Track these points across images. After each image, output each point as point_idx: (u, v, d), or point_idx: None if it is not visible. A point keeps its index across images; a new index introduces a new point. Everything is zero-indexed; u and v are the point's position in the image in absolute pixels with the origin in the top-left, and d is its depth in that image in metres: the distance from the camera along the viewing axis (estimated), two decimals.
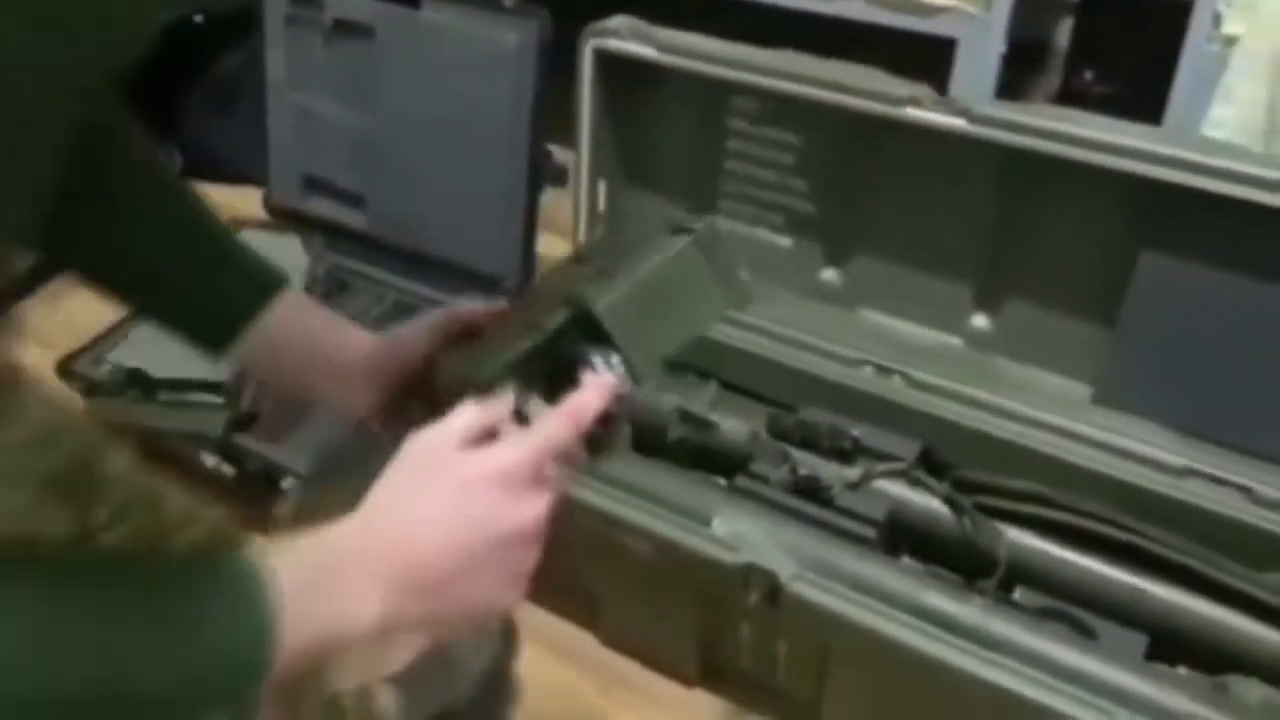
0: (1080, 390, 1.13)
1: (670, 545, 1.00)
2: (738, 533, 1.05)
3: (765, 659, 1.06)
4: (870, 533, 1.07)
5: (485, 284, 1.46)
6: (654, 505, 1.03)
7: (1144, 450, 1.05)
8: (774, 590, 0.96)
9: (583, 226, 1.44)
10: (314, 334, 0.70)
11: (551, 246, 1.53)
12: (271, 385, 0.77)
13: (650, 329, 1.25)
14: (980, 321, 1.20)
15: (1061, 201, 1.14)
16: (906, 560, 1.07)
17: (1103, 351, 1.13)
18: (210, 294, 0.68)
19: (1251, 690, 0.95)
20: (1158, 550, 0.99)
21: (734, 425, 1.18)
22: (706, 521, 1.09)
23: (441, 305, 1.28)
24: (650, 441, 1.21)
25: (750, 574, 0.97)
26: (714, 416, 1.20)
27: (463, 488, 0.52)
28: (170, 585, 0.38)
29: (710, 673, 1.10)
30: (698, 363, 1.27)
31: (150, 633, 0.37)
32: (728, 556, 0.99)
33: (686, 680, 1.10)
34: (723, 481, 1.16)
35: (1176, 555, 0.99)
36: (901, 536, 1.07)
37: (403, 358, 0.71)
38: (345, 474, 0.71)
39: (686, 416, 1.21)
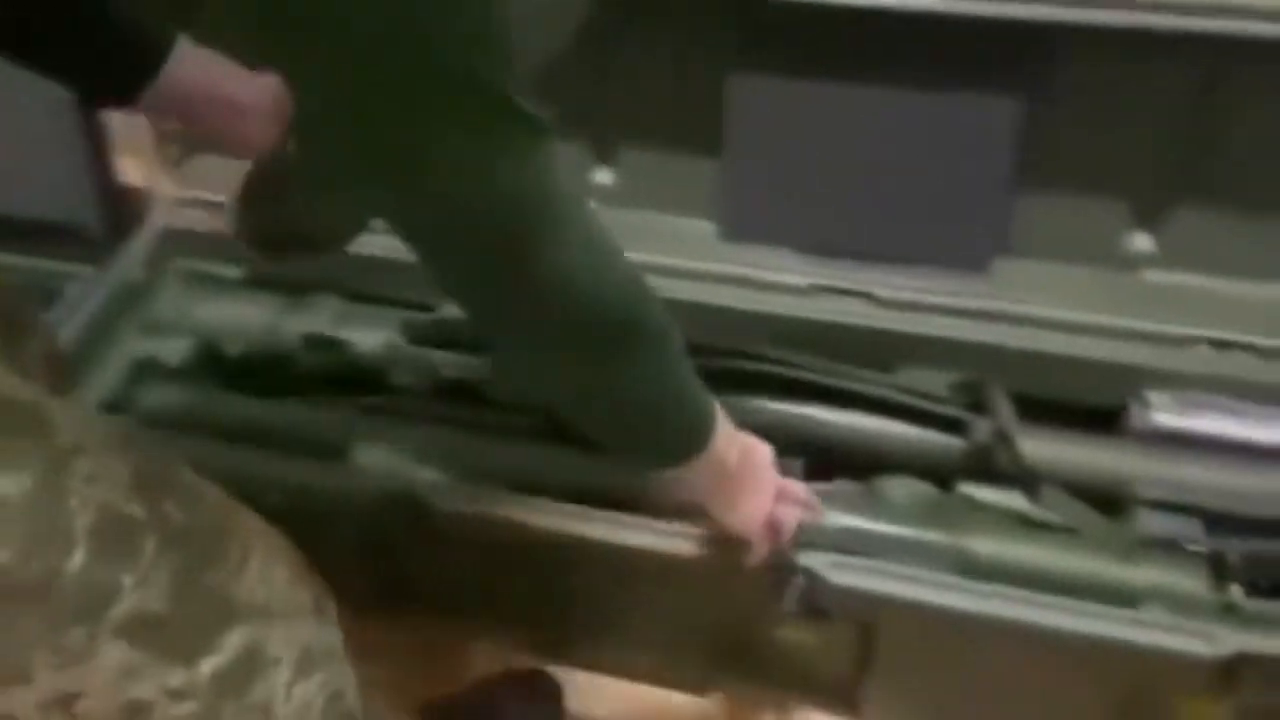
0: (705, 229, 1.11)
1: (301, 490, 0.90)
2: (374, 460, 0.98)
3: (436, 577, 1.01)
4: (522, 421, 1.02)
5: (65, 237, 1.24)
6: (277, 453, 0.94)
7: (772, 277, 1.04)
8: (421, 512, 0.89)
9: None
10: (216, 79, 0.74)
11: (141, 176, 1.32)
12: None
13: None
14: (602, 177, 1.14)
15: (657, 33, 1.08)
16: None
17: (718, 186, 1.11)
18: (112, 47, 0.72)
19: (899, 488, 0.99)
20: (794, 374, 0.99)
21: (367, 339, 1.08)
22: (342, 454, 1.01)
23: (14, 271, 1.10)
24: (277, 377, 1.09)
25: (394, 500, 0.90)
26: (343, 334, 1.10)
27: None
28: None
29: (389, 596, 1.04)
30: (320, 276, 1.15)
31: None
32: (365, 485, 0.91)
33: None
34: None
35: (813, 375, 1.00)
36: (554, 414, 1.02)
37: None
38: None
39: (312, 341, 1.10)
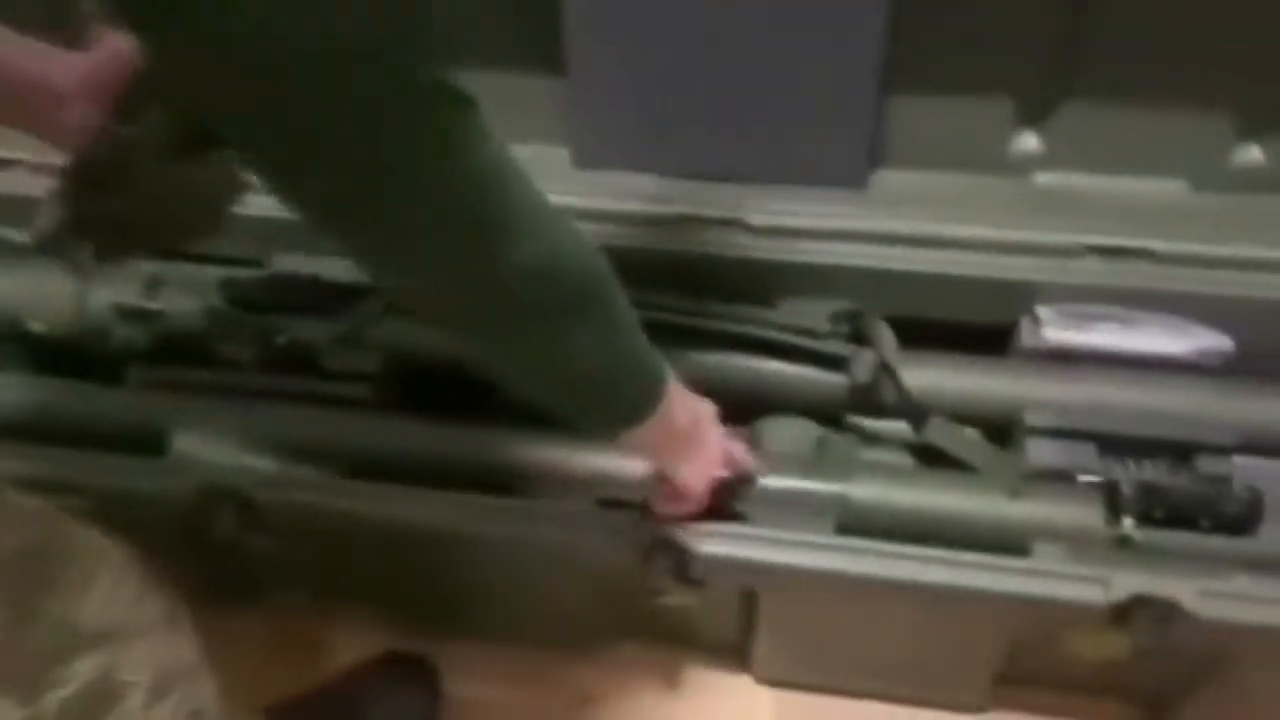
0: (557, 156, 1.00)
1: (118, 493, 0.81)
2: (192, 452, 0.88)
3: (281, 568, 0.92)
4: (365, 391, 0.92)
5: None
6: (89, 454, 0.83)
7: (633, 208, 0.94)
8: (247, 506, 0.80)
9: None
10: (14, 63, 0.63)
11: None
12: None
13: None
14: None
15: None
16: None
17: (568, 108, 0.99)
18: None
19: (781, 430, 0.92)
20: (661, 315, 0.89)
21: (185, 306, 0.97)
22: (164, 442, 0.90)
23: None
24: (89, 356, 0.97)
25: (216, 495, 0.80)
26: (159, 302, 0.98)
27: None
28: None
29: (234, 589, 0.96)
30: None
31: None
32: (183, 485, 0.81)
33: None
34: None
35: (682, 315, 0.91)
36: (399, 382, 0.93)
37: (123, 68, 0.64)
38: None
39: (124, 312, 0.98)
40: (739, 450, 0.78)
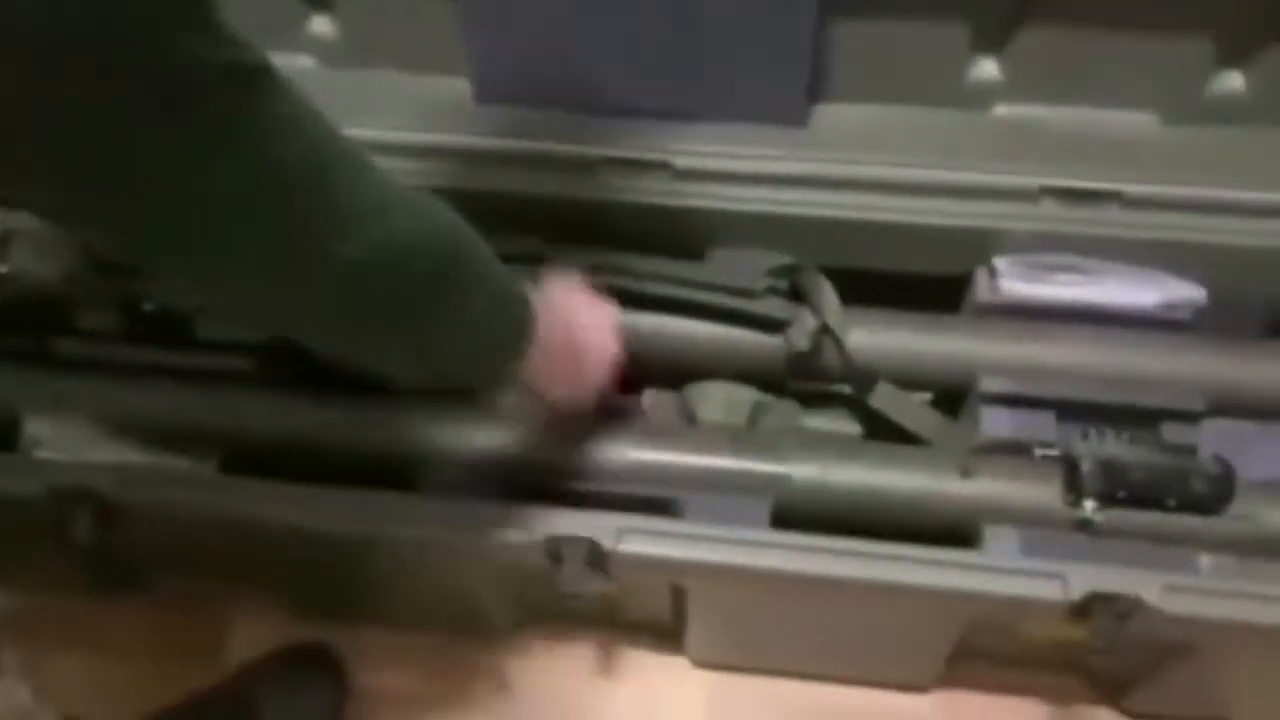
0: (459, 89, 0.88)
1: None
2: (44, 439, 0.77)
3: (160, 560, 0.85)
4: (245, 364, 0.82)
5: None
6: None
7: (542, 148, 0.84)
8: (106, 508, 0.71)
9: None
10: None
11: None
12: None
13: None
14: (319, 28, 0.88)
15: None
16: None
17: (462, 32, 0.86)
18: None
19: (714, 397, 0.84)
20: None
21: (36, 267, 0.85)
22: (10, 434, 0.80)
23: None
24: None
25: (63, 502, 0.70)
26: (11, 264, 0.86)
27: None
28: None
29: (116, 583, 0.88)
30: None
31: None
32: (27, 486, 0.71)
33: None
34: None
35: (603, 273, 0.81)
36: (284, 353, 0.82)
37: None
38: None
39: None
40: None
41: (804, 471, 0.74)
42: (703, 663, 0.87)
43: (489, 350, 0.58)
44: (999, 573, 0.66)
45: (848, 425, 0.83)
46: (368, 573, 0.80)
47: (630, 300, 0.80)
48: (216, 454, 0.78)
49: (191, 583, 0.90)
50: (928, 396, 0.83)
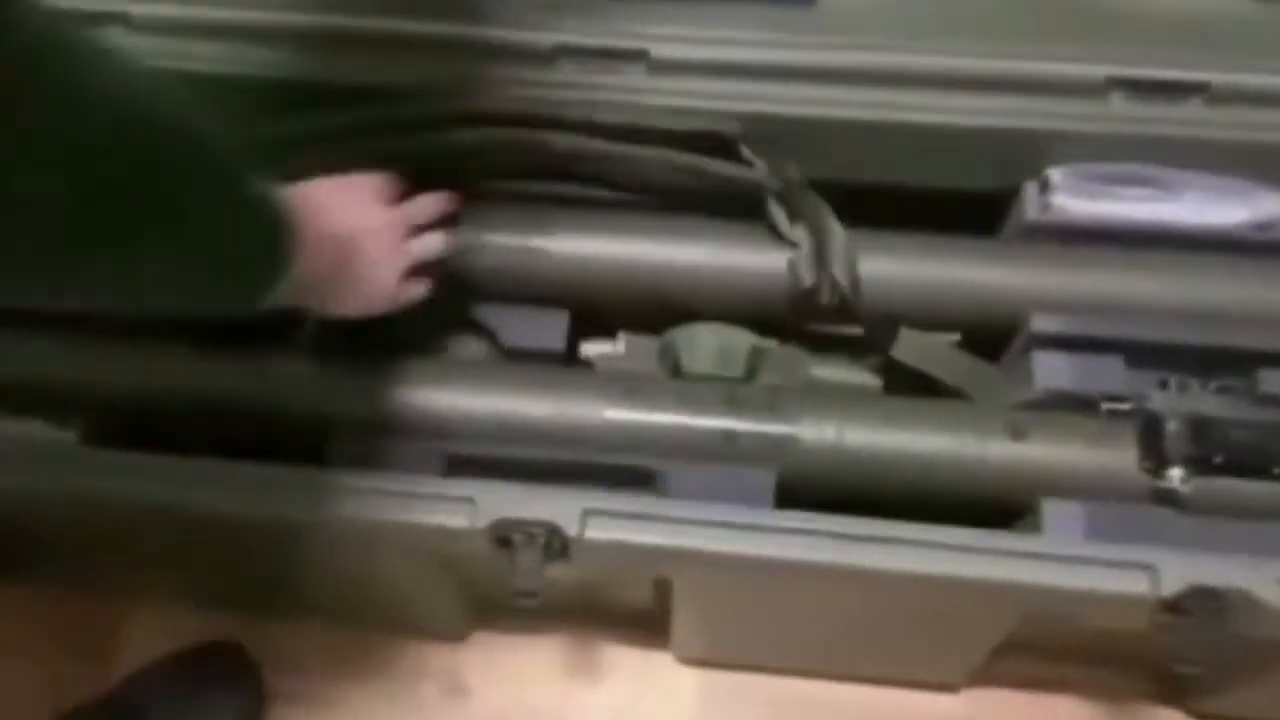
0: None
1: None
2: None
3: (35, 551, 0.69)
4: None
5: None
6: None
7: (505, 37, 0.67)
8: None
9: None
10: None
11: None
12: None
13: None
14: None
15: None
16: None
17: None
18: None
19: (699, 341, 0.68)
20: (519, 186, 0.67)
21: None
22: None
23: None
24: None
25: None
26: None
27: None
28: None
29: None
30: None
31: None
32: None
33: None
34: None
35: (545, 185, 0.67)
36: None
37: None
38: None
39: None
40: (427, 204, 0.63)
41: (816, 433, 0.60)
42: (691, 660, 0.74)
43: (230, 268, 0.47)
44: (1069, 563, 0.52)
45: (863, 377, 0.69)
46: (274, 562, 0.66)
47: (594, 225, 0.66)
48: (78, 420, 0.63)
49: (83, 567, 0.76)
50: (954, 338, 0.69)
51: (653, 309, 0.68)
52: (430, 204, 0.63)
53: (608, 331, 0.70)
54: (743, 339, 0.68)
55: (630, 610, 0.72)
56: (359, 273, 0.56)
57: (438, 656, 0.74)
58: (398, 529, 0.55)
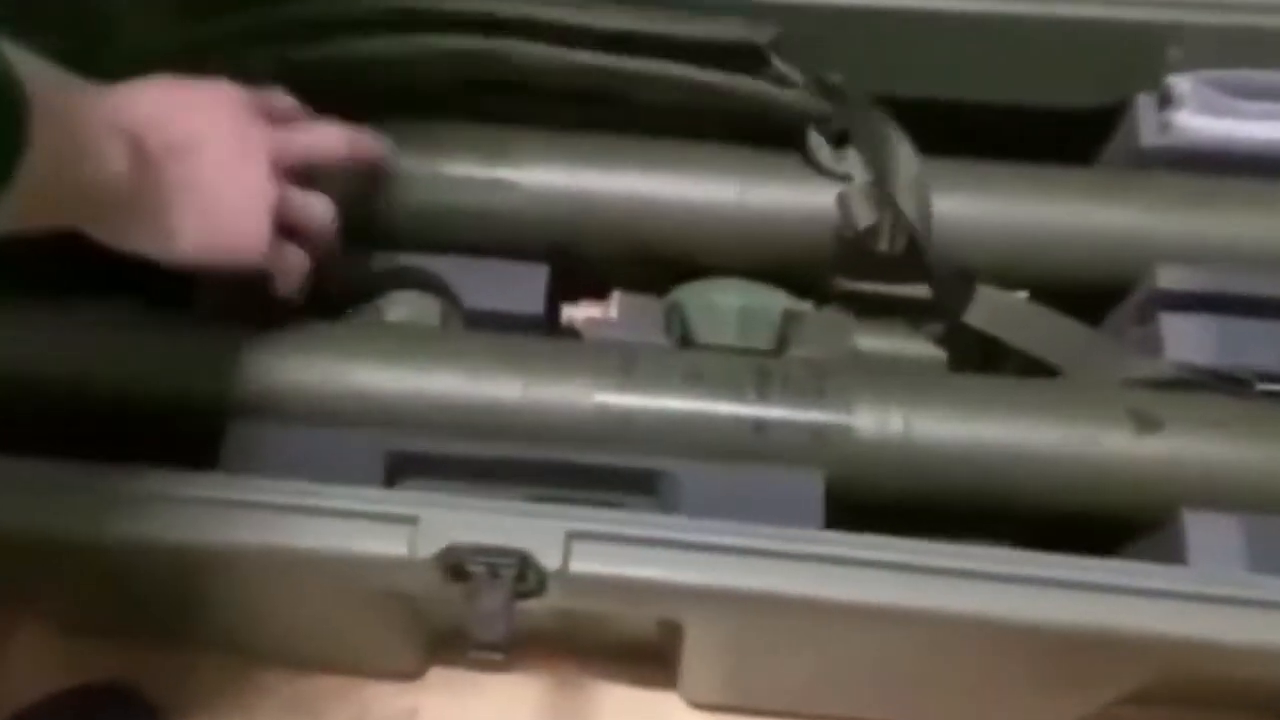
0: None
1: None
2: None
3: None
4: None
5: None
6: None
7: None
8: None
9: None
10: None
11: None
12: None
13: None
14: None
15: None
16: None
17: None
18: None
19: (713, 299, 0.53)
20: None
21: None
22: None
23: None
24: None
25: None
26: None
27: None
28: None
29: None
30: None
31: None
32: None
33: None
34: None
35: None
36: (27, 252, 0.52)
37: None
38: None
39: None
40: (327, 136, 0.48)
41: (876, 423, 0.45)
42: (705, 705, 0.60)
43: None
44: (1231, 606, 0.38)
45: (924, 349, 0.55)
46: (170, 589, 0.51)
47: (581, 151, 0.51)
48: None
49: None
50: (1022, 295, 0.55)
51: (656, 262, 0.54)
52: (331, 139, 0.47)
53: (597, 291, 0.55)
54: (773, 300, 0.53)
55: (628, 641, 0.58)
56: (203, 201, 0.42)
57: (385, 698, 0.60)
58: (311, 558, 0.40)
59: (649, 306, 0.53)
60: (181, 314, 0.48)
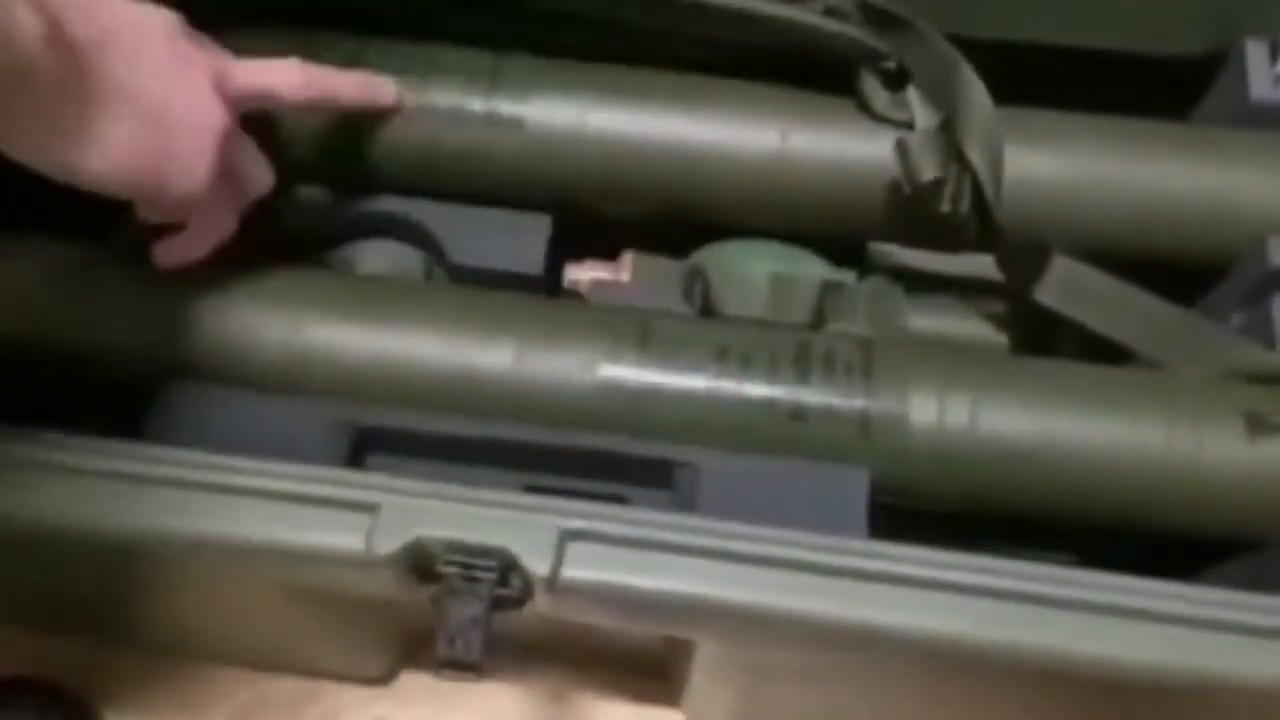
0: None
1: None
2: None
3: None
4: None
5: None
6: None
7: None
8: None
9: None
10: None
11: None
12: None
13: None
14: None
15: None
16: None
17: None
18: None
19: (740, 264, 0.46)
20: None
21: None
22: None
23: None
24: None
25: None
26: None
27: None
28: None
29: None
30: None
31: None
32: None
33: None
34: None
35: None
36: None
37: None
38: None
39: None
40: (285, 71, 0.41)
41: (933, 413, 0.38)
42: None
43: None
44: None
45: (983, 330, 0.48)
46: (96, 576, 0.45)
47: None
48: None
49: None
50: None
51: (675, 218, 0.47)
52: (286, 75, 0.40)
53: (605, 250, 0.48)
54: (809, 267, 0.46)
55: (627, 651, 0.51)
56: (140, 110, 0.35)
57: (350, 708, 0.53)
58: (248, 549, 0.33)
59: (666, 269, 0.46)
60: (103, 253, 0.41)
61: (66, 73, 0.32)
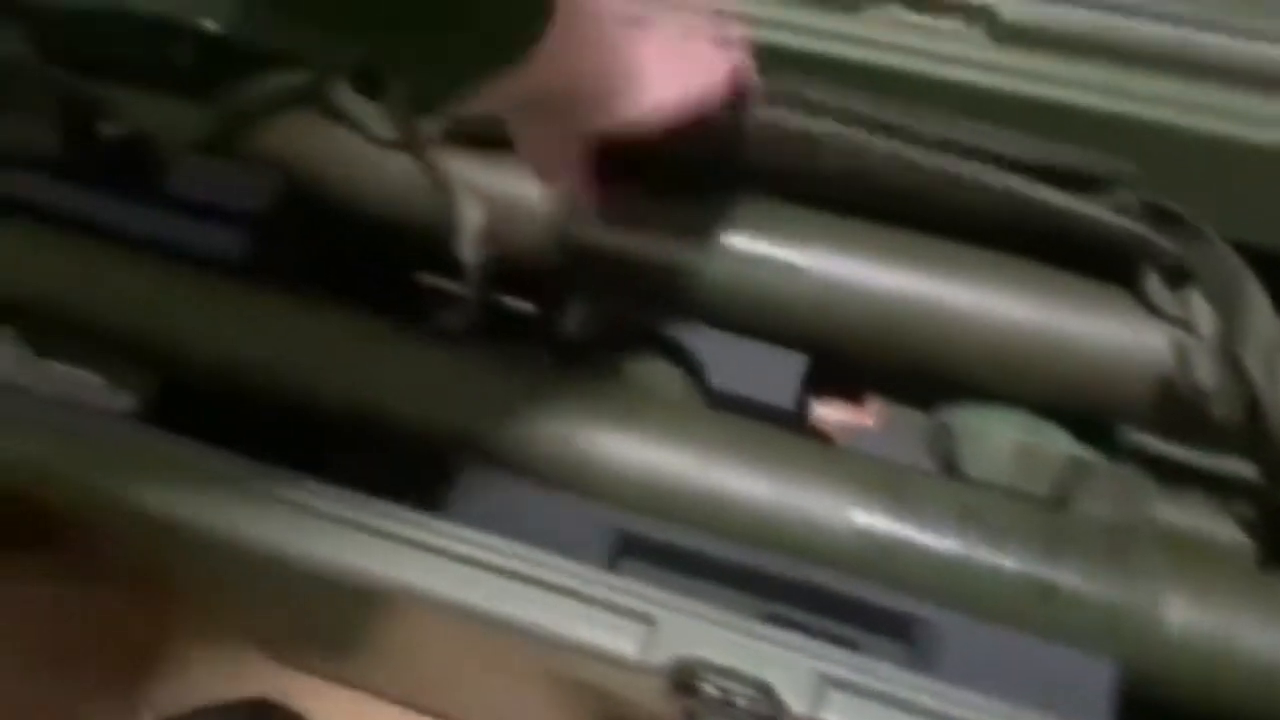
0: None
1: None
2: None
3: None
4: (231, 240, 0.51)
5: None
6: None
7: None
8: None
9: None
10: None
11: None
12: None
13: None
14: None
15: None
16: None
17: None
18: None
19: (987, 428, 0.47)
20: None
21: None
22: None
23: None
24: None
25: None
26: None
27: None
28: None
29: None
30: None
31: None
32: None
33: None
34: None
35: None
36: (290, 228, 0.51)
37: None
38: None
39: None
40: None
41: (1189, 614, 0.38)
42: None
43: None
44: None
45: (1230, 532, 0.47)
46: (344, 622, 0.49)
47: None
48: (147, 380, 0.47)
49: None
50: None
51: (928, 373, 0.49)
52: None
53: (850, 393, 0.51)
54: (1057, 441, 0.47)
55: None
56: (664, 50, 0.41)
57: None
58: (527, 632, 0.36)
59: (912, 421, 0.48)
60: (428, 331, 0.46)
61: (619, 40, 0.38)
